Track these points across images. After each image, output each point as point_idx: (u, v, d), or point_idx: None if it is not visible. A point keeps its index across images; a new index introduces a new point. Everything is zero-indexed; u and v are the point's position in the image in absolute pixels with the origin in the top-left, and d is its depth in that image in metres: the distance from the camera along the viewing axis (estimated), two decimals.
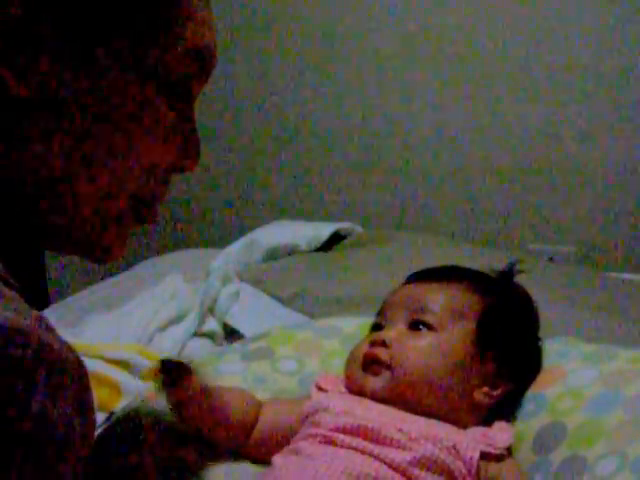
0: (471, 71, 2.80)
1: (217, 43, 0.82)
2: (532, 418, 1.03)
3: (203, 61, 0.80)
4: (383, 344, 1.02)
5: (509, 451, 0.99)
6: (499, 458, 0.96)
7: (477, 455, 0.94)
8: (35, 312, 0.64)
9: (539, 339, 1.12)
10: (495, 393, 1.04)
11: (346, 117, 2.98)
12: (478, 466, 0.94)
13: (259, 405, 1.04)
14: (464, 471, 0.93)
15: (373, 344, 1.03)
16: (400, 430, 0.94)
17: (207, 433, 1.01)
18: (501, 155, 2.83)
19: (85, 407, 0.66)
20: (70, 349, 0.65)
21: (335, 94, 2.97)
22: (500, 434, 0.99)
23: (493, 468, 0.95)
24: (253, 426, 1.02)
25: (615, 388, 1.00)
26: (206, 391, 0.98)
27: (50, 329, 0.64)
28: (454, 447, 0.94)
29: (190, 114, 0.83)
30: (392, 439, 0.93)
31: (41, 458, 0.60)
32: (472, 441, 0.95)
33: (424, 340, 1.03)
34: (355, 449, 0.93)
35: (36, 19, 0.69)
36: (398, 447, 0.93)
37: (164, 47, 0.75)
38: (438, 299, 1.06)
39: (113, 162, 0.75)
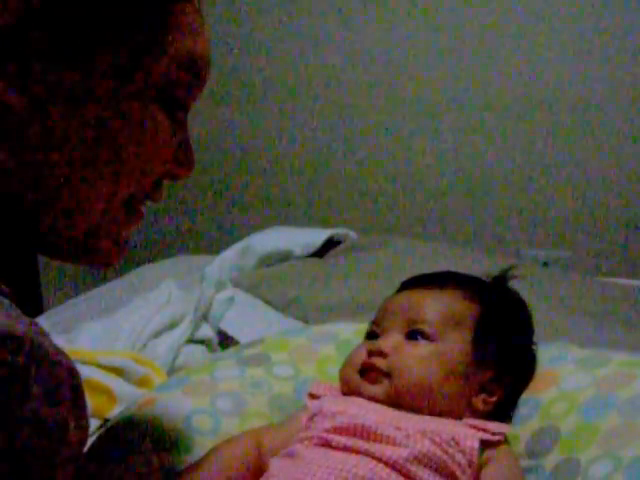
0: (465, 77, 2.81)
1: (211, 52, 0.82)
2: (526, 422, 1.04)
3: (197, 70, 0.80)
4: (381, 354, 1.03)
5: (507, 441, 1.00)
6: (497, 444, 0.97)
7: (477, 444, 0.94)
8: (28, 318, 0.64)
9: (534, 344, 1.13)
10: (492, 399, 1.04)
11: (341, 123, 2.98)
12: (478, 454, 0.94)
13: (257, 441, 1.02)
14: (464, 462, 0.93)
15: (371, 354, 1.03)
16: (397, 428, 0.94)
17: None
18: (495, 160, 2.83)
19: (79, 411, 0.66)
20: (63, 354, 0.65)
21: (330, 100, 2.98)
22: (497, 423, 1.00)
23: (492, 455, 0.96)
24: (257, 465, 1.00)
25: (609, 392, 1.00)
26: None
27: (43, 334, 0.64)
28: (453, 439, 0.94)
29: (184, 123, 0.83)
30: (388, 436, 0.93)
31: (35, 461, 0.60)
32: (470, 430, 0.96)
33: (422, 350, 1.03)
34: (350, 450, 0.93)
35: (29, 27, 0.69)
36: (394, 444, 0.93)
37: (158, 56, 0.75)
38: (434, 308, 1.06)
39: (106, 169, 0.75)
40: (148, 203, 0.85)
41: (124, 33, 0.73)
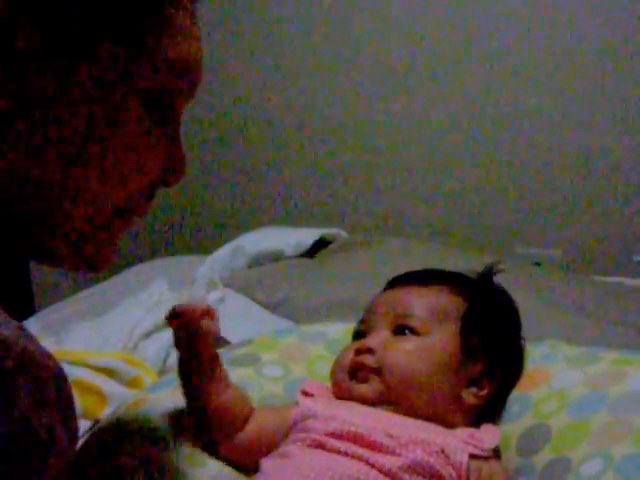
0: (458, 77, 2.81)
1: (203, 56, 0.82)
2: (517, 420, 1.04)
3: (188, 76, 0.79)
4: (369, 351, 1.03)
5: (496, 451, 1.00)
6: (487, 459, 0.97)
7: (466, 459, 0.94)
8: (15, 322, 0.63)
9: (521, 337, 1.13)
10: (482, 393, 1.05)
11: (332, 123, 2.98)
12: (467, 468, 0.94)
13: (251, 409, 1.04)
14: (454, 474, 0.93)
15: (359, 352, 1.03)
16: (390, 436, 0.94)
17: (197, 412, 1.01)
18: (487, 160, 2.83)
19: (67, 415, 0.65)
20: (51, 358, 0.65)
21: (322, 101, 2.98)
22: (487, 435, 0.99)
23: (482, 469, 0.95)
24: (241, 427, 1.02)
25: (599, 389, 1.00)
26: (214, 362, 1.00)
27: (31, 338, 0.64)
28: (442, 451, 0.94)
29: (175, 128, 0.82)
30: (382, 444, 0.93)
31: (24, 465, 0.60)
32: (460, 443, 0.96)
33: (409, 344, 1.03)
34: (345, 454, 0.93)
35: (17, 29, 0.69)
36: (388, 452, 0.93)
37: (148, 61, 0.74)
38: (420, 303, 1.07)
39: (96, 176, 0.75)
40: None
41: (115, 36, 0.72)
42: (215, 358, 1.00)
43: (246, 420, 1.02)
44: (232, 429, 1.01)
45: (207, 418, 1.00)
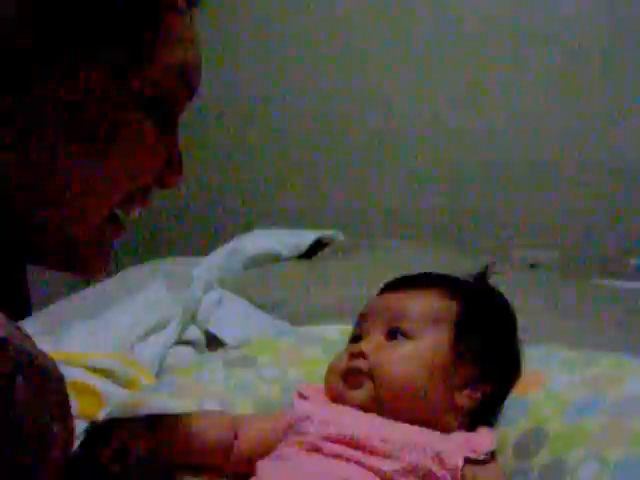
0: (456, 78, 2.81)
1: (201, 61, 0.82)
2: (513, 423, 1.04)
3: (187, 79, 0.79)
4: (362, 355, 1.03)
5: (493, 455, 0.99)
6: (483, 463, 0.97)
7: (461, 462, 0.94)
8: (11, 321, 0.63)
9: (517, 339, 1.13)
10: (476, 395, 1.04)
11: (329, 124, 2.98)
12: (463, 472, 0.94)
13: (234, 424, 1.04)
14: (449, 478, 0.93)
15: (352, 356, 1.04)
16: (385, 440, 0.94)
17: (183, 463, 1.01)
18: (484, 163, 2.84)
19: (64, 414, 0.65)
20: (48, 358, 0.65)
21: (319, 102, 2.98)
22: (483, 439, 0.99)
23: (477, 473, 0.95)
24: (230, 447, 1.02)
25: (596, 393, 1.00)
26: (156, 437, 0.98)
27: (27, 338, 0.63)
28: (438, 455, 0.94)
29: (173, 131, 0.82)
30: (377, 448, 0.93)
31: (20, 465, 0.60)
32: (456, 447, 0.96)
33: (402, 348, 1.03)
34: (342, 457, 0.93)
35: (18, 28, 0.69)
36: (384, 456, 0.93)
37: (147, 64, 0.74)
38: (414, 306, 1.07)
39: (94, 178, 0.75)
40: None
41: (114, 40, 0.72)
42: (164, 434, 0.99)
43: (233, 439, 1.02)
44: (222, 455, 1.02)
45: (195, 462, 1.01)
